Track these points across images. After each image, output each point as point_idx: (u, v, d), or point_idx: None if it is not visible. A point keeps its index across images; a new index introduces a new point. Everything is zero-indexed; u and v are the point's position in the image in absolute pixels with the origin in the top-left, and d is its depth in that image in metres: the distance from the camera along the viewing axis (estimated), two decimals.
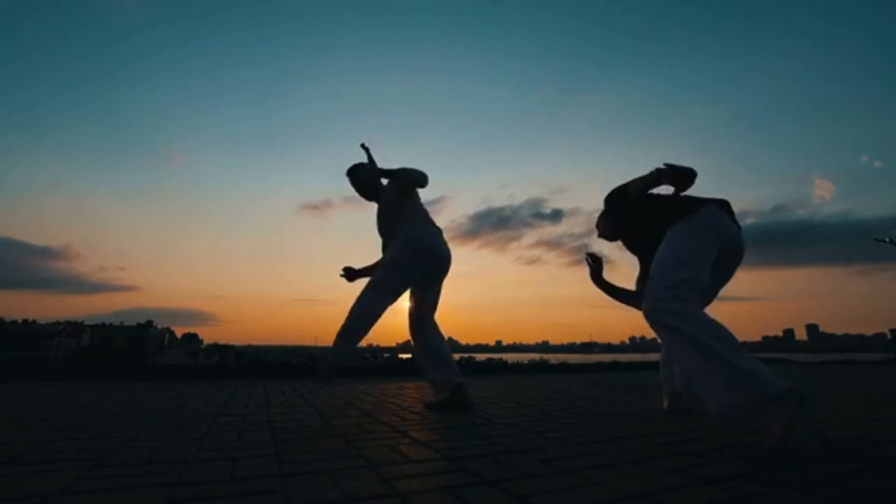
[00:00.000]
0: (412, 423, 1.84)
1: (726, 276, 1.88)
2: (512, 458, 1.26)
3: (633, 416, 2.03)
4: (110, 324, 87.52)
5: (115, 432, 1.65)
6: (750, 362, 1.37)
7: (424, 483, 1.03)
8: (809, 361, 8.38)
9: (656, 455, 1.30)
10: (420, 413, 2.13)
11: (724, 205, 1.79)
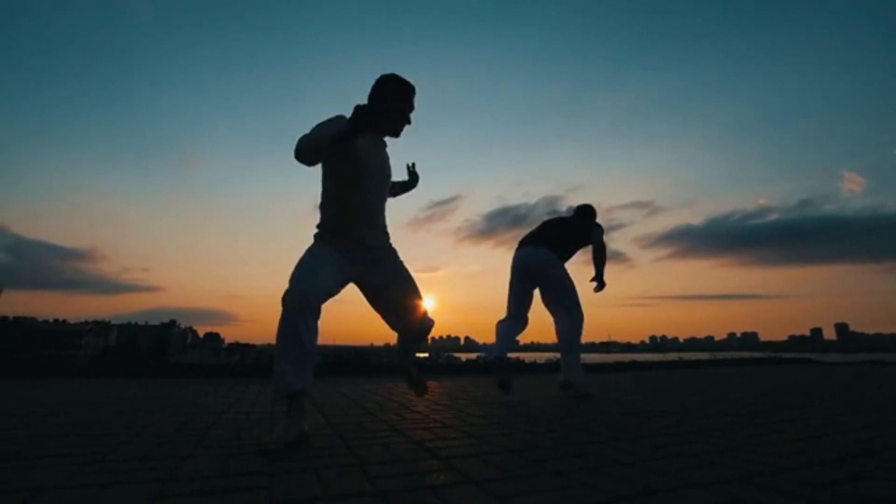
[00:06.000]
0: (411, 423, 1.84)
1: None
2: (503, 458, 1.25)
3: (637, 417, 1.99)
4: (136, 323, 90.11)
5: (121, 428, 1.69)
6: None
7: (409, 482, 1.03)
8: (836, 362, 8.11)
9: (652, 457, 1.28)
10: (421, 412, 2.13)
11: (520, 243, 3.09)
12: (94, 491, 0.99)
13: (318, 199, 1.73)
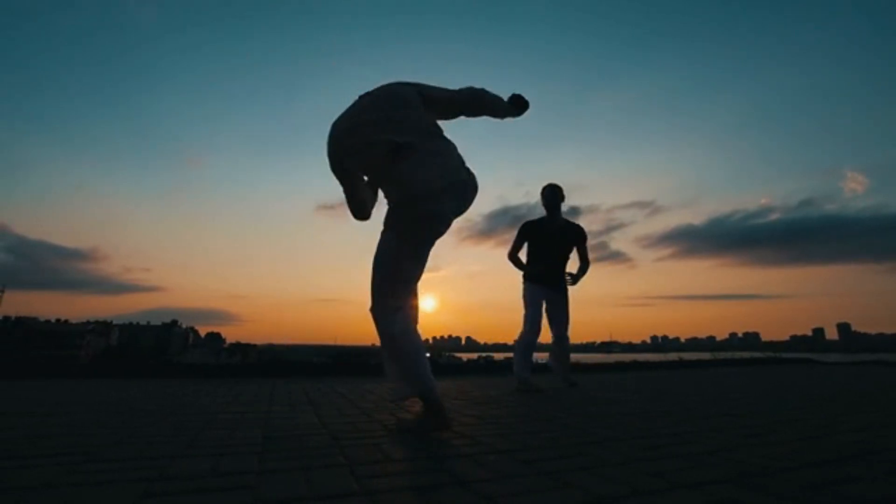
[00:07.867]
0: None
1: None
2: (494, 458, 1.24)
3: (635, 417, 1.98)
4: (137, 323, 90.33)
5: (117, 428, 1.69)
6: None
7: (396, 482, 1.02)
8: (837, 362, 8.08)
9: (644, 457, 1.27)
10: (416, 413, 2.12)
11: None
12: (83, 490, 0.98)
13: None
